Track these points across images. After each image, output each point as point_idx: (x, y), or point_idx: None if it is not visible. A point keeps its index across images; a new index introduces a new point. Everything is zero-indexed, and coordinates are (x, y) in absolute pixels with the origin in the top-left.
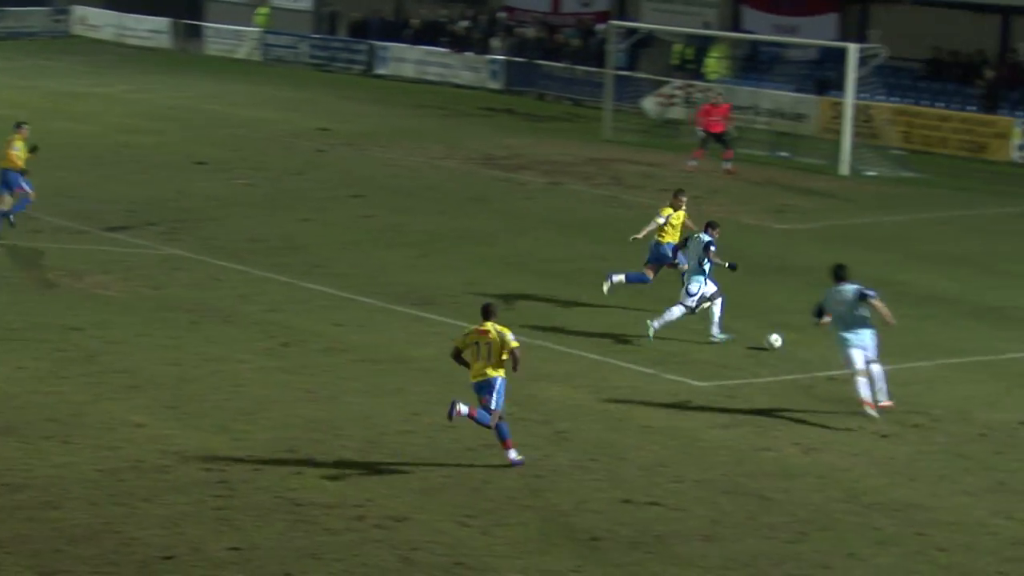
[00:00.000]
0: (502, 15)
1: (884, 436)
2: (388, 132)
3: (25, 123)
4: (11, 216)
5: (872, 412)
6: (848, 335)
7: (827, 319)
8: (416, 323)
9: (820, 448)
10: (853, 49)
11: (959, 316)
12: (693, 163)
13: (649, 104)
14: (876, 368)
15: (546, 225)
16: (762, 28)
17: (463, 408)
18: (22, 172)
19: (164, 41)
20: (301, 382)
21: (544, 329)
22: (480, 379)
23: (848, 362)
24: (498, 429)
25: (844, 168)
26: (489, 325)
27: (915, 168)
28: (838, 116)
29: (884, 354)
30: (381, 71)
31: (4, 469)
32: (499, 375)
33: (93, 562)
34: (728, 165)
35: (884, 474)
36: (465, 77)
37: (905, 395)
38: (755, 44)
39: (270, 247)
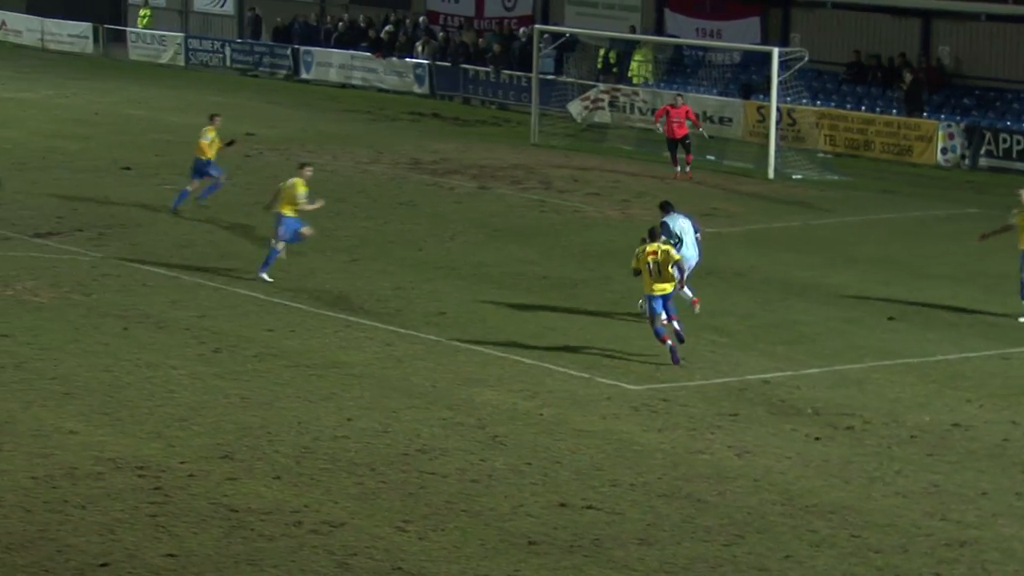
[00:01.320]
0: (424, 19)
1: (817, 438)
2: (315, 137)
3: (218, 115)
4: (203, 199)
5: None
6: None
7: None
8: (347, 328)
9: (754, 451)
10: (776, 53)
11: (888, 318)
12: (678, 171)
13: (575, 108)
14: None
15: (476, 229)
16: (685, 32)
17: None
18: (210, 161)
19: (87, 46)
20: (234, 388)
21: (477, 333)
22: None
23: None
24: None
25: (770, 171)
26: (655, 246)
27: (841, 171)
28: (763, 120)
29: (813, 356)
30: (306, 76)
31: None
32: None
33: (29, 570)
34: (686, 169)
35: (818, 476)
36: (390, 82)
37: (836, 398)
38: (679, 48)
39: (200, 252)
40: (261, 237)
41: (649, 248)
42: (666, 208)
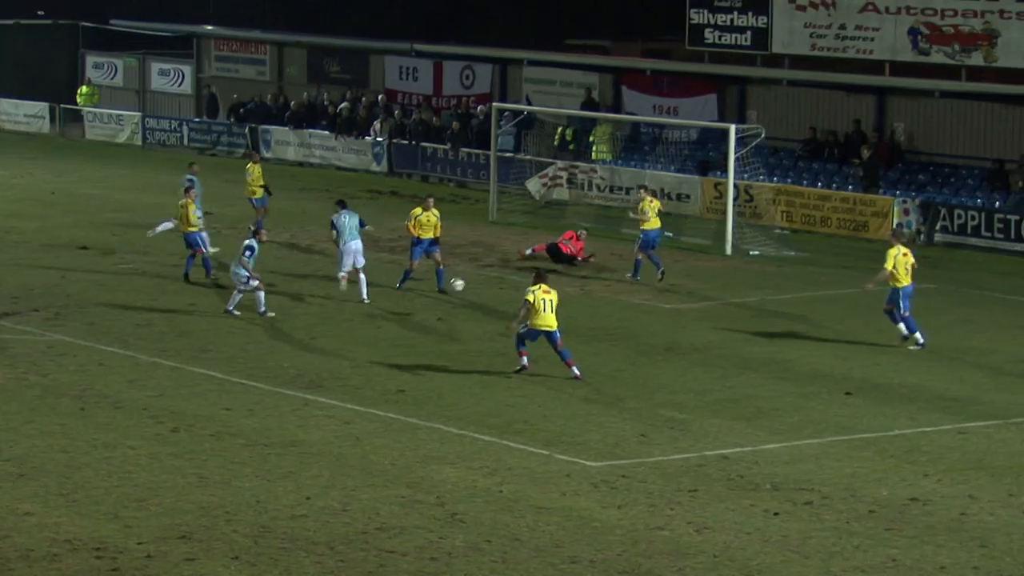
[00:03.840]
0: (383, 97)
1: (776, 514)
2: (273, 215)
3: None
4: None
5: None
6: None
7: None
8: (306, 407)
9: (713, 527)
10: (733, 129)
11: (845, 393)
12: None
13: (533, 185)
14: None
15: (434, 306)
16: (643, 109)
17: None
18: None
19: (43, 126)
20: (192, 467)
21: (436, 410)
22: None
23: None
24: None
25: (728, 248)
26: (546, 287)
27: (798, 247)
28: (721, 196)
29: (771, 432)
30: (264, 154)
31: None
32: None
33: None
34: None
35: (778, 551)
36: (348, 160)
37: (795, 473)
38: (636, 125)
39: (157, 332)
40: (217, 316)
41: (543, 288)
42: (341, 204)
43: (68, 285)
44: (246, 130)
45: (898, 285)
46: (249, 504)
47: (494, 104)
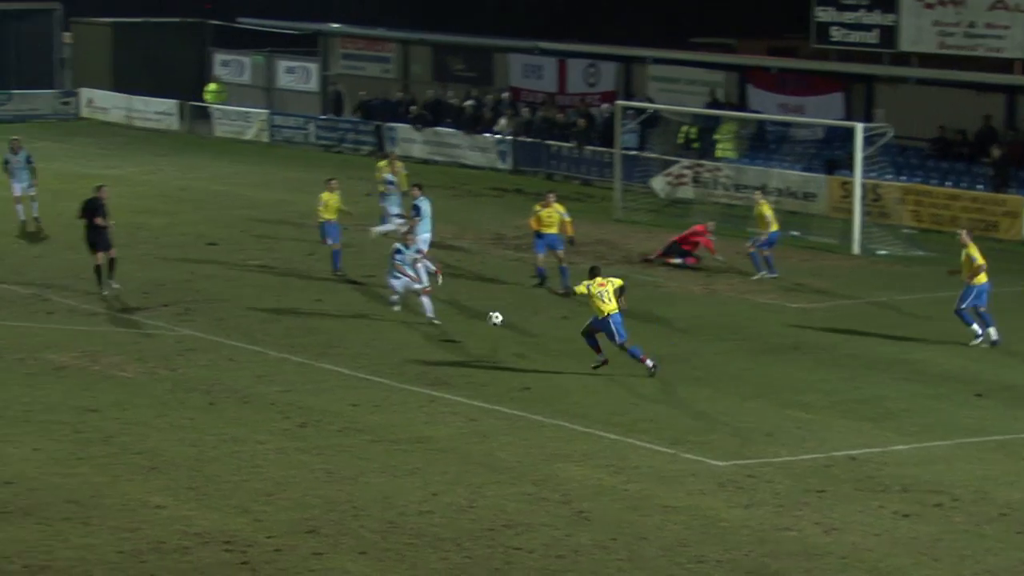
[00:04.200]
0: (508, 95)
1: (906, 515)
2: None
3: (334, 179)
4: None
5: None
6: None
7: None
8: (432, 403)
9: (841, 528)
10: (860, 128)
11: (975, 395)
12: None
13: (658, 183)
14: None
15: (559, 304)
16: (768, 108)
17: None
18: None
19: (173, 123)
20: (319, 462)
21: (562, 408)
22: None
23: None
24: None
25: (855, 247)
26: (601, 279)
27: (926, 247)
28: (848, 195)
29: (900, 433)
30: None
31: (25, 551)
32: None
33: None
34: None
35: (907, 554)
36: (473, 158)
37: (924, 474)
38: (762, 124)
39: (284, 327)
40: (343, 315)
41: (599, 280)
42: (419, 188)
43: (197, 281)
44: (372, 127)
45: (978, 282)
46: (376, 500)
47: (618, 102)
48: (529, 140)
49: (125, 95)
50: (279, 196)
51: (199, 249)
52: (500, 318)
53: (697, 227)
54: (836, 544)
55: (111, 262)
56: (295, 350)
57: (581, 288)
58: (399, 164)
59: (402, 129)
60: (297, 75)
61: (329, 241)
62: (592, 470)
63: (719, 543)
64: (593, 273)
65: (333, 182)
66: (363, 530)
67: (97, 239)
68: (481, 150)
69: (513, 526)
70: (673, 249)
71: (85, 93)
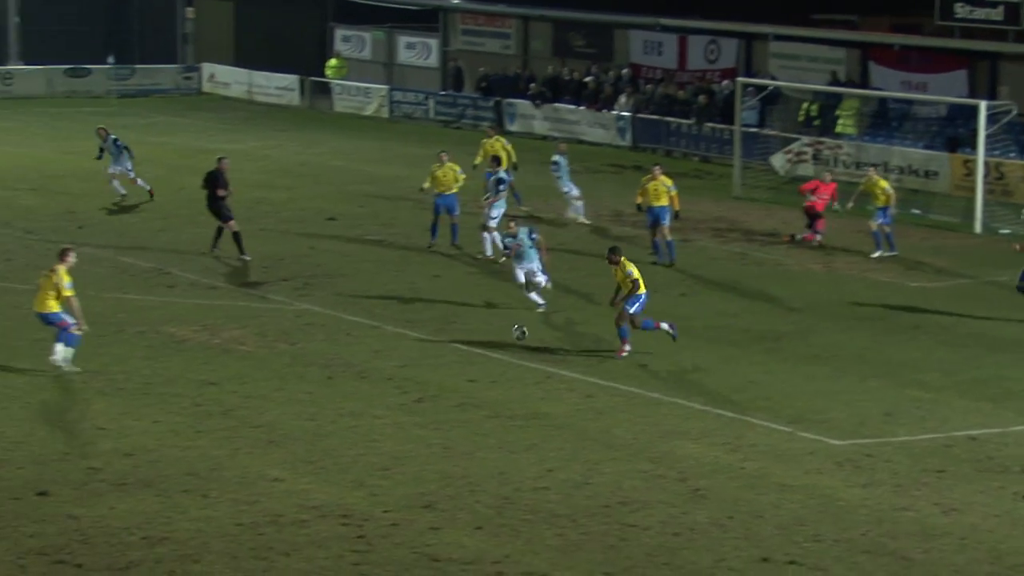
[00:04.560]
0: (627, 72)
1: None
2: (518, 190)
3: (445, 152)
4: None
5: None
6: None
7: None
8: (548, 379)
9: (961, 508)
10: (983, 106)
11: None
12: (818, 237)
13: (778, 161)
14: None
15: (677, 282)
16: (890, 85)
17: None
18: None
19: (293, 98)
20: (436, 437)
21: (679, 385)
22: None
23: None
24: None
25: (977, 226)
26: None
27: None
28: (970, 173)
29: (1021, 413)
30: (509, 128)
31: (144, 523)
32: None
33: None
34: (802, 236)
35: None
36: (593, 134)
37: None
38: (884, 101)
39: (402, 303)
40: (461, 287)
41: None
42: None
43: (316, 255)
44: (491, 103)
45: None
46: (492, 475)
47: (739, 79)
48: (649, 116)
49: (246, 70)
50: (398, 171)
51: (318, 224)
52: (524, 332)
53: (809, 184)
54: (955, 525)
55: (235, 235)
56: (413, 325)
57: (636, 272)
58: (499, 141)
59: (521, 105)
60: (417, 51)
61: (450, 214)
62: (709, 448)
63: (836, 522)
64: (618, 253)
65: (444, 155)
66: (479, 505)
67: (219, 209)
68: (600, 126)
69: (629, 503)
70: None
71: (207, 68)
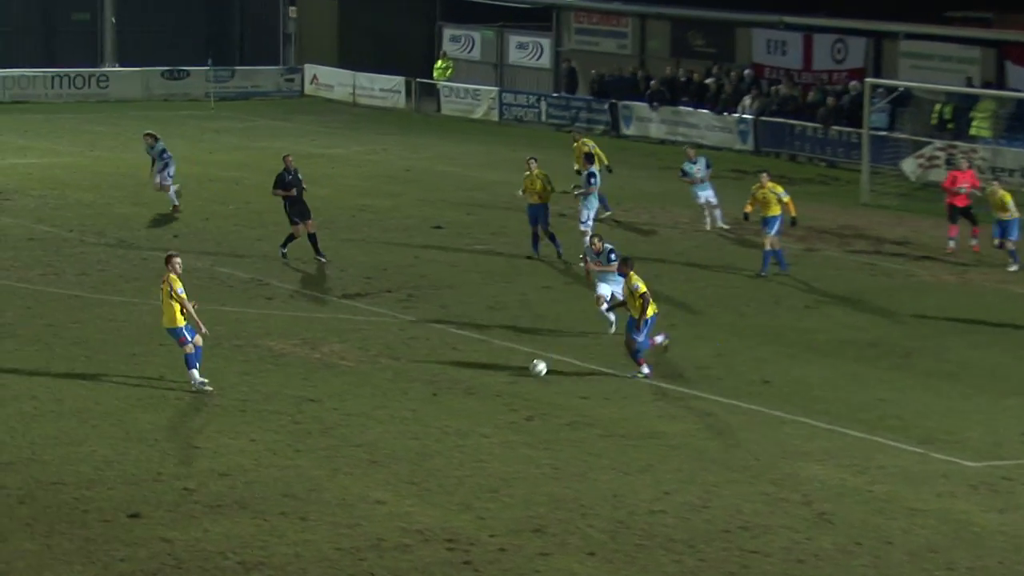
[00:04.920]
0: (749, 72)
1: None
2: (632, 196)
3: (533, 158)
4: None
5: None
6: None
7: None
8: (664, 396)
9: None
10: None
11: None
12: (951, 244)
13: (909, 166)
14: None
15: (801, 293)
16: None
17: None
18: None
19: (399, 101)
20: (546, 458)
21: (803, 403)
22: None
23: None
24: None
25: None
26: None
27: None
28: None
29: None
30: (625, 131)
31: (239, 546)
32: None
33: None
34: (974, 242)
35: None
36: (713, 137)
37: None
38: (1021, 103)
39: (511, 315)
40: (573, 301)
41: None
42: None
43: (421, 265)
44: (606, 106)
45: None
46: (605, 498)
47: (867, 80)
48: (772, 119)
49: (350, 71)
50: (508, 177)
51: (424, 232)
52: (543, 367)
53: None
54: None
55: (312, 236)
56: (522, 339)
57: (643, 286)
58: (589, 141)
59: (637, 108)
60: (529, 51)
61: (537, 225)
62: (835, 469)
63: (971, 549)
64: (628, 264)
65: (532, 162)
66: (591, 530)
67: (296, 210)
68: (721, 129)
69: (750, 528)
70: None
71: (309, 69)
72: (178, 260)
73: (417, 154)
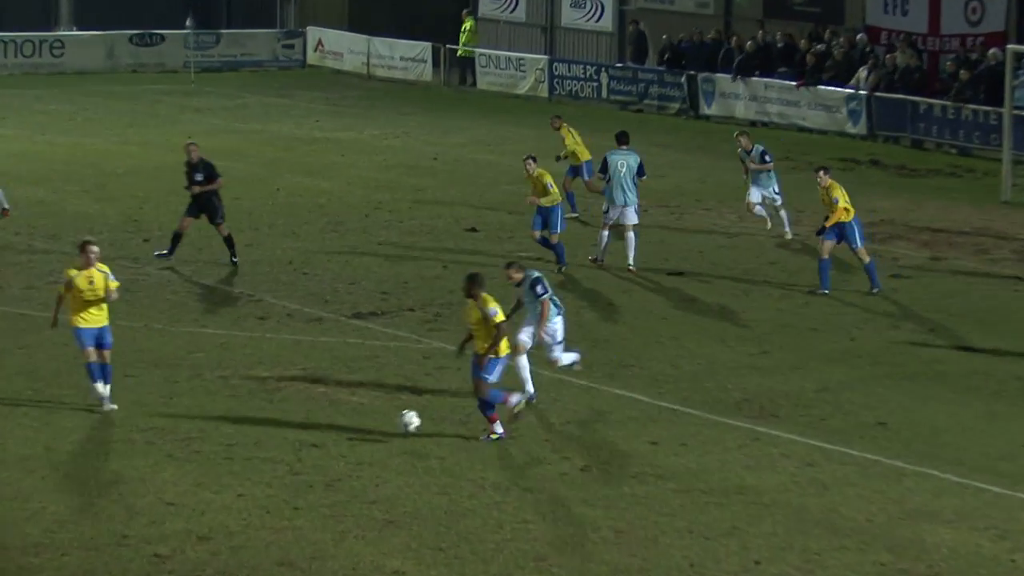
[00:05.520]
0: (862, 37)
1: None
2: (714, 190)
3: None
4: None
5: None
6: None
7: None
8: (755, 441)
9: None
10: None
11: None
12: None
13: None
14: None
15: (926, 313)
16: None
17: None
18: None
19: (425, 72)
20: (607, 518)
21: (928, 451)
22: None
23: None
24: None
25: None
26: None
27: None
28: None
29: None
30: (706, 111)
31: None
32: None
33: None
34: None
35: None
36: (815, 118)
37: None
38: None
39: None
40: (640, 322)
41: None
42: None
43: (451, 277)
44: (682, 79)
45: None
46: (680, 568)
47: (1009, 47)
48: (890, 96)
49: (364, 36)
50: (560, 168)
51: (455, 236)
52: (416, 422)
53: None
54: None
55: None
56: (580, 371)
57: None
58: (572, 133)
59: (721, 81)
60: (586, 10)
61: (535, 231)
62: (968, 534)
63: None
64: (477, 283)
65: (530, 162)
66: None
67: (198, 206)
68: (826, 109)
69: None
70: None
71: (313, 33)
72: (94, 248)
73: (447, 139)
